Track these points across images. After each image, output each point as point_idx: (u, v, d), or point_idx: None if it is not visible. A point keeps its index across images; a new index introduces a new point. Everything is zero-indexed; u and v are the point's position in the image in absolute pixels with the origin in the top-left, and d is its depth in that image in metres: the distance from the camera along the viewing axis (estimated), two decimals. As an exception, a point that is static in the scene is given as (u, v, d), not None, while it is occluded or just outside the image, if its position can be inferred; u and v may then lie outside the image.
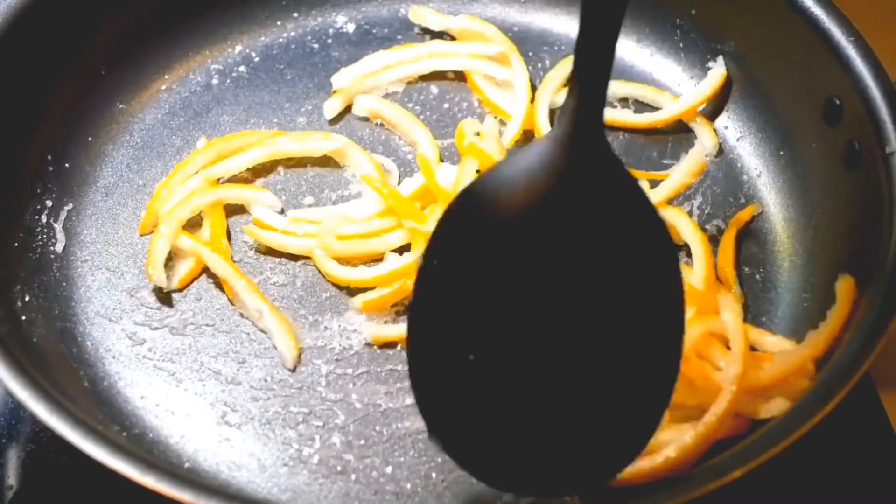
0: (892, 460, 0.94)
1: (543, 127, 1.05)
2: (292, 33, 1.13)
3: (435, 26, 1.13)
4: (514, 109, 1.06)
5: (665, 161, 1.05)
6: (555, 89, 1.07)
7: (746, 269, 0.97)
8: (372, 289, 0.95)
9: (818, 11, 0.98)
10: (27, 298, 0.92)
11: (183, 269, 0.96)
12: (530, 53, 1.12)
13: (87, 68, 1.04)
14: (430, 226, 0.93)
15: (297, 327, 0.94)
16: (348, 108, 1.08)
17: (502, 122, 1.06)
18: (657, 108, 1.07)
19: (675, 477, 0.79)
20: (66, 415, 0.78)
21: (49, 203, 0.99)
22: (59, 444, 0.77)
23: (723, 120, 1.06)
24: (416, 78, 1.10)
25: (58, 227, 0.98)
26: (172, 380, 0.90)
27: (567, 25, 1.14)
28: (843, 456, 0.92)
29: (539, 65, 1.11)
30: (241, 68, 1.11)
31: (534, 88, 1.08)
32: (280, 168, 1.03)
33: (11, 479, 0.92)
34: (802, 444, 0.76)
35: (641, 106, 1.08)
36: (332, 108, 1.07)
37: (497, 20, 1.14)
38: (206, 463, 0.86)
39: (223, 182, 1.01)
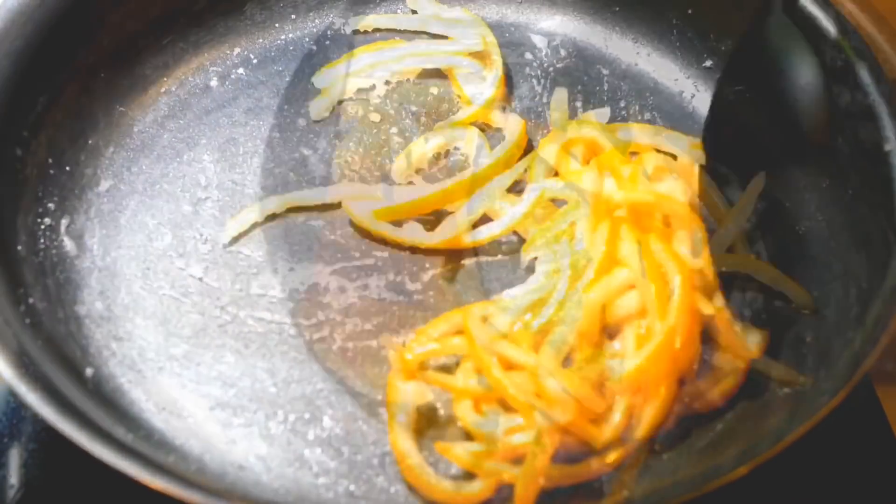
0: (890, 460, 0.95)
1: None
2: (290, 35, 1.14)
3: (425, 10, 1.15)
4: (476, 98, 1.07)
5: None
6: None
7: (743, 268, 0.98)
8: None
9: (815, 11, 0.99)
10: (31, 301, 0.92)
11: None
12: (527, 54, 1.13)
13: (86, 72, 1.04)
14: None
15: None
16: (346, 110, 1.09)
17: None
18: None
19: (675, 477, 0.81)
20: (74, 418, 0.78)
21: (51, 206, 0.99)
22: (61, 443, 0.77)
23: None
24: (415, 76, 1.11)
25: (60, 230, 0.98)
26: (177, 382, 0.91)
27: (564, 26, 1.15)
28: (840, 455, 0.93)
29: (535, 64, 1.12)
30: (240, 70, 1.11)
31: (530, 86, 1.10)
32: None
33: (13, 479, 0.92)
34: (801, 444, 0.77)
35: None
36: (318, 108, 1.08)
37: (494, 20, 1.15)
38: (213, 464, 0.86)
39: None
